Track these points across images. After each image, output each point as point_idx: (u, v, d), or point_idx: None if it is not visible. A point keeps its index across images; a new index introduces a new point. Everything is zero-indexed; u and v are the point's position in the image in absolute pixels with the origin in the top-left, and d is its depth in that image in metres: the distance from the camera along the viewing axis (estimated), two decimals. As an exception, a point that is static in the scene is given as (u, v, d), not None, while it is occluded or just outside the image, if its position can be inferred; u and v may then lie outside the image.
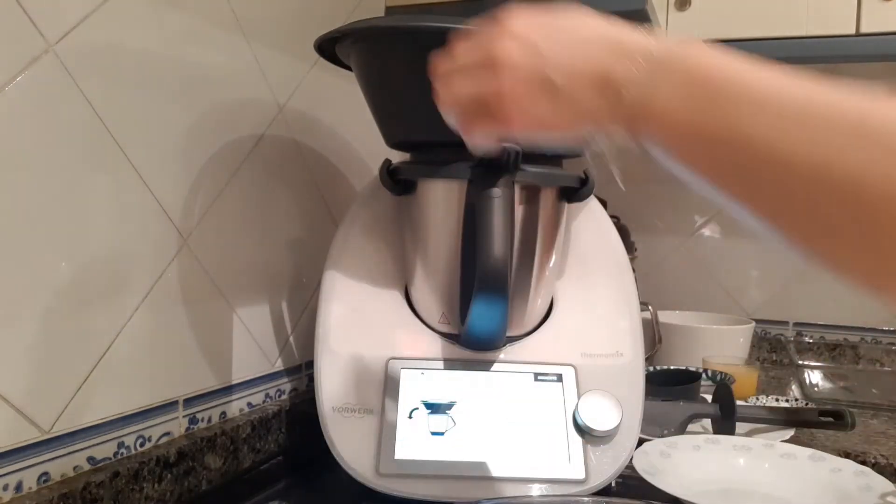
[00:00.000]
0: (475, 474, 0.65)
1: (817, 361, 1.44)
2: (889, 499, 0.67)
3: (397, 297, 0.73)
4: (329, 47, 0.69)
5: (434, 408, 0.68)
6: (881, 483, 0.68)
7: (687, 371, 1.04)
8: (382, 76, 0.68)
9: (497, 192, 0.61)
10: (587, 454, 0.67)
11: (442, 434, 0.67)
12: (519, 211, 0.67)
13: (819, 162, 0.32)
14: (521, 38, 0.39)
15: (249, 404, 0.81)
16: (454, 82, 0.41)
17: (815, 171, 0.32)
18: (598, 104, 0.37)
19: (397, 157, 0.74)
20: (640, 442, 0.72)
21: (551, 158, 0.69)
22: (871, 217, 0.31)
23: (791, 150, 0.32)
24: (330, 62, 0.74)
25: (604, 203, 0.83)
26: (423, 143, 0.70)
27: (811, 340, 1.47)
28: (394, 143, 0.73)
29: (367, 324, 0.71)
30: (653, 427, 0.84)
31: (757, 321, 1.34)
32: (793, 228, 0.34)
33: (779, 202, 0.34)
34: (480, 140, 0.43)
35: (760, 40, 1.11)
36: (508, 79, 0.38)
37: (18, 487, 0.54)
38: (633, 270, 0.79)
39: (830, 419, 0.89)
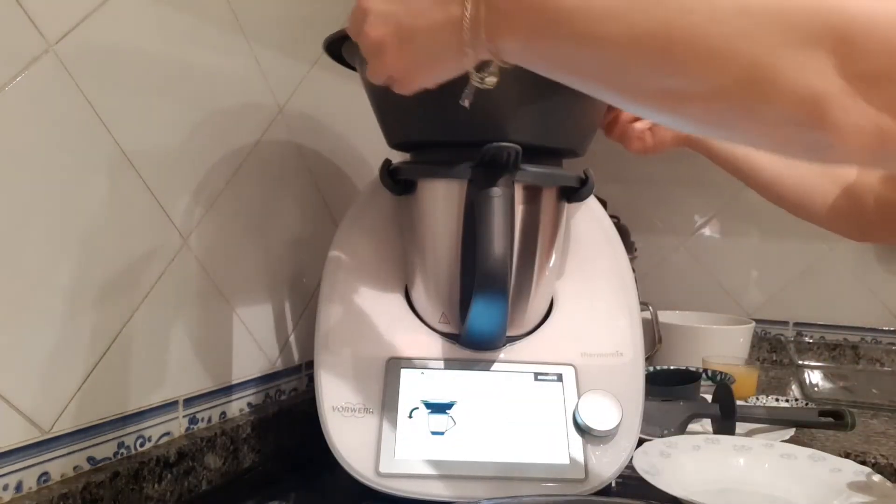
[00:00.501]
0: (475, 474, 0.65)
1: (817, 361, 1.44)
2: (873, 477, 0.67)
3: (397, 297, 0.73)
4: (335, 47, 0.69)
5: (434, 408, 0.68)
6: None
7: (687, 371, 1.04)
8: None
9: (497, 191, 0.61)
10: (587, 454, 0.67)
11: (442, 434, 0.67)
12: (519, 211, 0.67)
13: (625, 31, 0.36)
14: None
15: (249, 404, 0.81)
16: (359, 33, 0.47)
17: (627, 38, 0.36)
18: (456, 39, 0.41)
19: (397, 157, 0.74)
20: (640, 442, 0.72)
21: (551, 158, 0.69)
22: (681, 60, 0.35)
23: (596, 28, 0.37)
24: (337, 62, 0.74)
25: (604, 203, 0.83)
26: (424, 143, 0.70)
27: (811, 340, 1.47)
28: (395, 144, 0.73)
29: (366, 324, 0.71)
30: (653, 427, 0.84)
31: (757, 321, 1.34)
32: (631, 92, 0.39)
33: (603, 72, 0.39)
34: (377, 80, 0.48)
35: None
36: (374, 32, 0.44)
37: (18, 487, 0.54)
38: (633, 270, 0.79)
39: (830, 419, 0.89)
